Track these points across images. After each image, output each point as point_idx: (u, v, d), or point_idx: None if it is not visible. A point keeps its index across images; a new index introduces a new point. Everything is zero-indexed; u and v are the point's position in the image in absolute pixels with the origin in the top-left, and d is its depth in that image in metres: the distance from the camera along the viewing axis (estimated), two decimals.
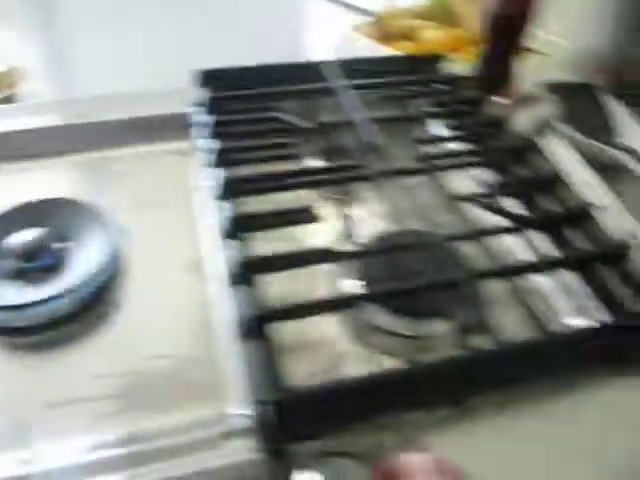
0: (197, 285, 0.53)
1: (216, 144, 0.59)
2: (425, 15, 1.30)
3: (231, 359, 0.45)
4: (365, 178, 0.57)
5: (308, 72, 0.71)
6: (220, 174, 0.55)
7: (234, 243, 0.48)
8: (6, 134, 0.68)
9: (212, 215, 0.54)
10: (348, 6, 1.24)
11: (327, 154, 0.64)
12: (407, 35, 1.24)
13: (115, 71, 1.00)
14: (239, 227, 0.49)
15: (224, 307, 0.48)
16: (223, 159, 0.57)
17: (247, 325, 0.41)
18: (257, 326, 0.41)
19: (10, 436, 0.42)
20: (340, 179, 0.57)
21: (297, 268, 0.47)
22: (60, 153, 0.68)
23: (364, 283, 0.50)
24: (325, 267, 0.53)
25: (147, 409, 0.44)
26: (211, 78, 0.69)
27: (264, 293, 0.44)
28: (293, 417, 0.37)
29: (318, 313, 0.43)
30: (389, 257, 0.52)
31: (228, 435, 0.40)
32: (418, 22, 1.26)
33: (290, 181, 0.55)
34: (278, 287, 0.49)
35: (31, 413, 0.44)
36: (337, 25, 1.18)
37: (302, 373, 0.44)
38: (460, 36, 1.26)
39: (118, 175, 0.66)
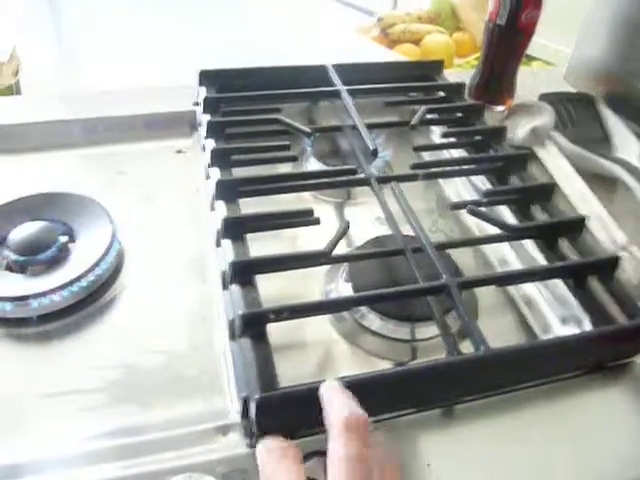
0: (197, 283, 0.54)
1: (211, 144, 0.60)
2: (429, 19, 1.31)
3: (226, 357, 0.46)
4: (363, 182, 0.58)
5: (308, 75, 0.72)
6: (215, 174, 0.56)
7: (229, 244, 0.49)
8: (11, 126, 0.69)
9: (212, 215, 0.55)
10: (353, 7, 1.26)
11: (326, 157, 0.65)
12: (410, 39, 1.26)
13: (124, 68, 1.01)
14: (235, 228, 0.50)
15: (220, 306, 0.49)
16: (219, 159, 0.58)
17: (238, 324, 0.42)
18: (248, 326, 0.42)
19: (6, 425, 0.43)
20: (338, 183, 0.58)
21: (291, 270, 0.48)
22: (65, 147, 0.69)
23: (356, 286, 0.51)
24: (319, 270, 0.54)
25: (141, 402, 0.45)
26: (209, 78, 0.70)
27: (257, 294, 0.45)
28: (274, 415, 0.38)
29: (310, 315, 0.45)
30: (381, 261, 0.53)
31: (222, 430, 0.42)
32: (422, 26, 1.28)
33: (288, 184, 0.56)
34: (272, 288, 0.50)
35: (28, 403, 0.45)
36: (342, 26, 1.19)
37: (293, 373, 0.45)
38: (464, 41, 1.27)
39: (122, 171, 0.67)
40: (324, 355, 0.50)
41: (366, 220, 0.62)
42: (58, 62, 1.22)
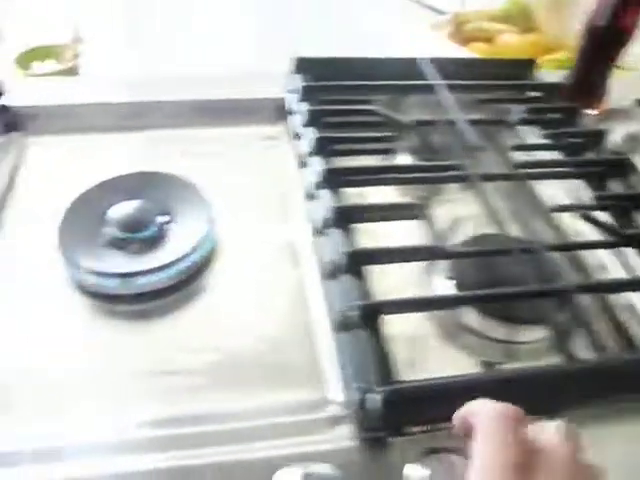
0: (290, 269, 0.54)
1: (313, 133, 0.59)
2: (500, 18, 1.29)
3: (326, 346, 0.46)
4: (460, 179, 0.57)
5: (399, 67, 0.71)
6: (319, 163, 0.55)
7: (338, 233, 0.48)
8: (97, 105, 0.70)
9: (310, 203, 0.55)
10: (424, 5, 1.25)
11: (420, 152, 0.64)
12: (483, 37, 1.24)
13: (199, 53, 1.02)
14: (344, 217, 0.49)
15: (321, 294, 0.49)
16: (321, 148, 0.57)
17: (355, 315, 0.41)
18: (365, 317, 0.41)
19: (96, 400, 0.43)
20: (442, 178, 0.57)
21: (405, 262, 0.47)
22: (151, 127, 0.69)
23: (462, 284, 0.50)
24: (416, 265, 0.53)
25: (238, 389, 0.45)
26: (305, 66, 0.70)
27: (368, 285, 0.45)
28: (399, 409, 0.38)
29: (426, 310, 0.44)
30: (484, 259, 0.52)
31: (332, 420, 0.41)
32: (495, 25, 1.26)
33: (392, 176, 0.55)
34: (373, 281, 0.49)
35: (119, 380, 0.45)
36: (415, 23, 1.18)
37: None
38: (537, 41, 1.25)
39: (209, 154, 0.66)
40: (419, 350, 0.49)
41: (457, 217, 0.61)
42: (125, 45, 1.22)
